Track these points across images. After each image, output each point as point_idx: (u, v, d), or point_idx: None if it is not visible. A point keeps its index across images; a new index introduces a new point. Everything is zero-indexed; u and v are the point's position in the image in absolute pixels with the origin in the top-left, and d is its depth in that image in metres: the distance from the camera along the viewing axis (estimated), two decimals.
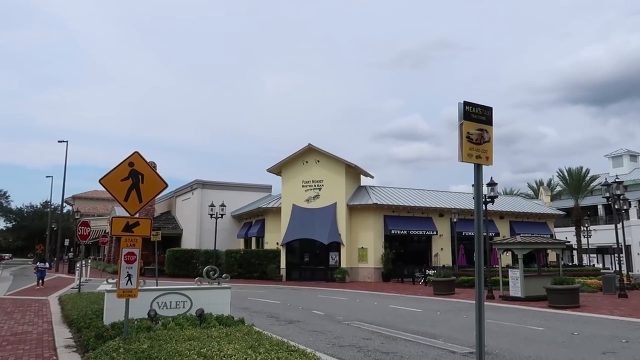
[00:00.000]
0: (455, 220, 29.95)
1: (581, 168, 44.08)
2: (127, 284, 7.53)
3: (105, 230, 46.38)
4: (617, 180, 22.69)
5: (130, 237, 7.68)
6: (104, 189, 8.01)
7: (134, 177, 7.88)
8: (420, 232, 32.53)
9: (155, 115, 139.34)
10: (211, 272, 9.87)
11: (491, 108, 4.29)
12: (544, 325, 12.15)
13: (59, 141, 43.62)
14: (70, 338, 9.16)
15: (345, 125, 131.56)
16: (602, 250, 46.28)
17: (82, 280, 20.43)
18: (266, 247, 34.09)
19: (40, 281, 22.72)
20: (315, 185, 31.90)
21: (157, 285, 13.79)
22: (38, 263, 24.45)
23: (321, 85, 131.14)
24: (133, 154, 8.06)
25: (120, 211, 30.65)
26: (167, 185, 8.38)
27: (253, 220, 37.57)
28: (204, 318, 8.74)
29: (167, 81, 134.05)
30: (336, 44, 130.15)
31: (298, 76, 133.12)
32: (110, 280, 9.65)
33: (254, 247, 36.99)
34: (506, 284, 19.20)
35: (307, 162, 32.47)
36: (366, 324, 12.09)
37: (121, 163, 7.91)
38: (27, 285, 23.68)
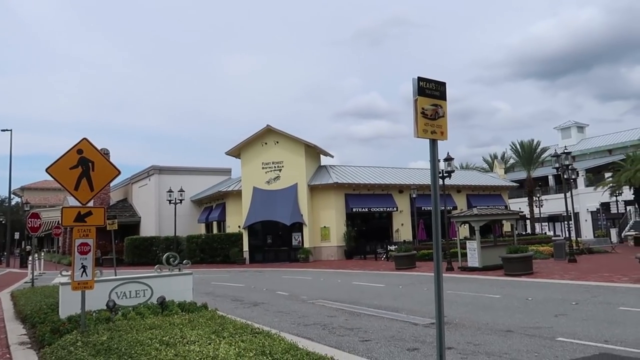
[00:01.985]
0: (414, 195, 30.51)
1: (532, 141, 45.69)
2: (82, 276, 7.29)
3: (58, 221, 44.67)
4: (565, 151, 23.67)
5: (83, 227, 7.40)
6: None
7: (84, 165, 7.56)
8: (381, 209, 33.02)
9: (110, 100, 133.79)
10: (171, 259, 9.69)
11: (444, 83, 4.31)
12: (500, 293, 12.64)
13: (2, 130, 41.16)
14: (25, 334, 8.82)
15: (306, 105, 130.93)
16: (553, 219, 48.48)
17: (35, 274, 19.65)
18: (228, 230, 33.77)
19: None
20: (275, 167, 31.71)
21: (115, 275, 13.43)
22: None
23: (282, 65, 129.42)
24: (81, 140, 7.71)
25: (72, 201, 29.50)
26: (119, 172, 8.09)
27: (213, 205, 37.10)
28: (165, 306, 8.59)
29: (121, 65, 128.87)
30: (295, 22, 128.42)
31: (259, 57, 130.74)
32: (64, 273, 9.32)
33: (215, 231, 36.59)
34: (464, 255, 19.83)
35: (266, 143, 32.17)
36: (330, 302, 12.23)
37: (69, 151, 7.57)
38: None
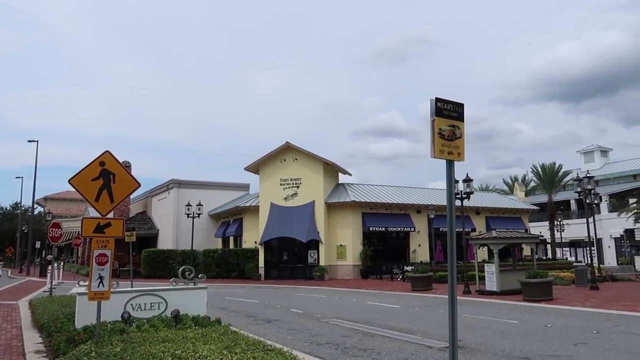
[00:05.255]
0: (432, 216, 30.24)
1: (554, 164, 45.00)
2: (98, 287, 7.36)
3: (78, 231, 45.38)
4: (588, 175, 23.25)
5: (101, 238, 7.50)
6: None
7: (105, 177, 7.70)
8: (398, 229, 32.77)
9: (135, 114, 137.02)
10: (187, 273, 9.74)
11: (462, 104, 4.30)
12: (518, 319, 12.36)
13: (28, 141, 42.44)
14: (41, 343, 8.92)
15: (326, 123, 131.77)
16: (574, 244, 47.36)
17: (54, 283, 19.93)
18: (244, 246, 33.87)
19: None
20: (293, 184, 31.82)
21: (132, 287, 13.54)
22: None
23: (304, 83, 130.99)
24: (104, 153, 7.87)
25: (93, 212, 29.89)
26: (139, 185, 8.21)
27: (231, 220, 37.29)
28: (179, 319, 8.62)
29: (148, 80, 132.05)
30: (318, 41, 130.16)
31: (280, 74, 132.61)
32: (82, 283, 9.41)
33: (232, 246, 36.71)
34: (482, 278, 19.48)
35: (285, 160, 32.36)
36: (344, 321, 12.11)
37: (91, 162, 7.72)
38: None
